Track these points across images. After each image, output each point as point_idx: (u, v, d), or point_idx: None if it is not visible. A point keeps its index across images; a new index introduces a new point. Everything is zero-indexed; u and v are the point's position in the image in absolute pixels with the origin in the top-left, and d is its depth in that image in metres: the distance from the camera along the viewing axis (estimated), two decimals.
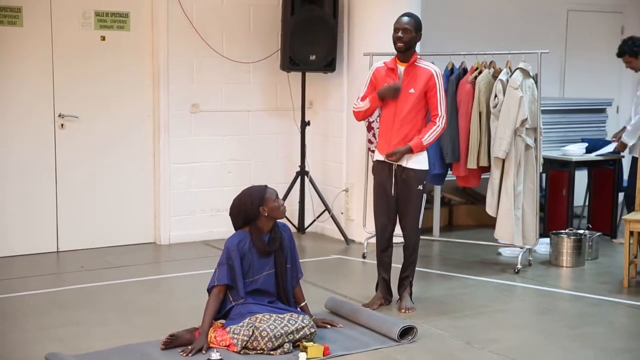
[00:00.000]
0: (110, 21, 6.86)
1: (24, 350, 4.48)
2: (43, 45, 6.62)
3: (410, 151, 5.11)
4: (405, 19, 5.16)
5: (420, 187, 5.22)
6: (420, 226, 5.33)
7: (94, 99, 6.86)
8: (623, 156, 7.50)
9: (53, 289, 5.75)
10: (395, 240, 5.40)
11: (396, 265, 5.46)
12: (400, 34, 5.11)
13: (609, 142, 7.60)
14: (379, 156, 5.30)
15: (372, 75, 5.29)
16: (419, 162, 5.19)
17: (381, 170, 5.27)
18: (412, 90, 5.12)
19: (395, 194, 5.22)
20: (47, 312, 5.18)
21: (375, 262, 5.42)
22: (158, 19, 6.98)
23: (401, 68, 5.18)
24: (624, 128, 7.55)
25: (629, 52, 7.27)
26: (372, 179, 5.56)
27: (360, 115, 5.33)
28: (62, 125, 6.76)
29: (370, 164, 6.79)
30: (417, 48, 5.30)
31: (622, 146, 7.33)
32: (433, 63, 5.30)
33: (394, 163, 5.17)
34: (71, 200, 6.83)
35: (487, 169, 6.41)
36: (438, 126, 5.15)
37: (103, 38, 6.85)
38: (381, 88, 5.18)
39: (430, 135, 5.14)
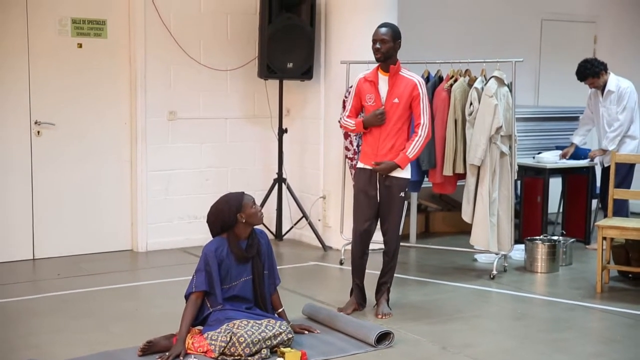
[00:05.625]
0: (87, 28, 6.85)
1: (1, 358, 4.46)
2: (19, 52, 6.60)
3: (397, 167, 5.16)
4: (383, 29, 5.20)
5: (402, 194, 5.26)
6: (400, 233, 5.38)
7: (71, 106, 6.85)
8: (596, 164, 7.56)
9: (29, 297, 5.72)
10: (372, 246, 5.43)
11: (373, 272, 5.49)
12: (378, 45, 5.16)
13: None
14: (360, 163, 5.33)
15: (357, 86, 5.33)
16: (402, 171, 5.23)
17: (363, 177, 5.30)
18: (396, 100, 5.16)
19: (377, 200, 5.26)
20: (24, 320, 5.16)
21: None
22: (135, 27, 6.98)
23: (384, 78, 5.22)
24: (572, 144, 7.63)
25: (592, 75, 7.27)
26: (349, 186, 5.59)
27: (347, 131, 5.36)
28: (38, 132, 6.73)
29: (347, 172, 6.85)
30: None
31: (602, 151, 7.37)
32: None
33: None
34: (48, 208, 6.80)
35: (463, 176, 6.47)
36: (420, 136, 5.18)
37: (80, 45, 6.84)
38: (367, 117, 5.22)
39: (414, 147, 5.18)
